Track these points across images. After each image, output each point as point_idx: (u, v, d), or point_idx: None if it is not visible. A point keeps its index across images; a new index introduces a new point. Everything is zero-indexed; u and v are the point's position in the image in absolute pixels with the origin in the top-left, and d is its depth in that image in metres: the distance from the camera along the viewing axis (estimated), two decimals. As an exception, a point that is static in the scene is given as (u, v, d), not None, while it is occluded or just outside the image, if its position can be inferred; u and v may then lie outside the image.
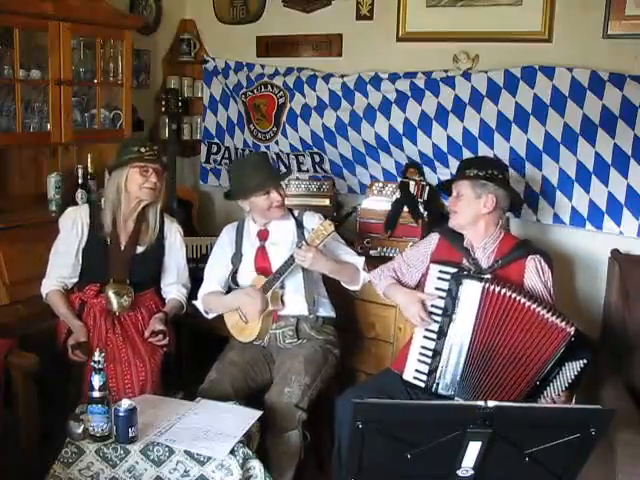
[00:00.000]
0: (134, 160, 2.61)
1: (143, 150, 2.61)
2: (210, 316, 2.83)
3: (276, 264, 2.67)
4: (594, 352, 2.20)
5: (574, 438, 1.63)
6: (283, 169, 3.75)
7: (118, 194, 2.65)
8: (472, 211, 2.43)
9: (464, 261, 2.45)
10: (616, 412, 1.68)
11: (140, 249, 2.74)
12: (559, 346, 2.17)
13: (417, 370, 2.39)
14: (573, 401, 2.24)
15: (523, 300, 2.23)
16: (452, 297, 2.32)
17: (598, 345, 2.46)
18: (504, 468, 1.71)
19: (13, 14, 2.75)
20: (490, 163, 2.54)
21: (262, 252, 2.75)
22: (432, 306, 2.39)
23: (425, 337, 2.39)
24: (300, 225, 2.78)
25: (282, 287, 2.69)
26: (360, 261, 2.75)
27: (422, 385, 2.36)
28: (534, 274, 2.38)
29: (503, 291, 2.25)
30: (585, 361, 2.15)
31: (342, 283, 2.76)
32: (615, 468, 2.03)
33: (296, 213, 2.83)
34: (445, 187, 2.65)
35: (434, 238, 2.59)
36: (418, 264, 2.59)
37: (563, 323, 2.17)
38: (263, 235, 2.78)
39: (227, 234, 2.86)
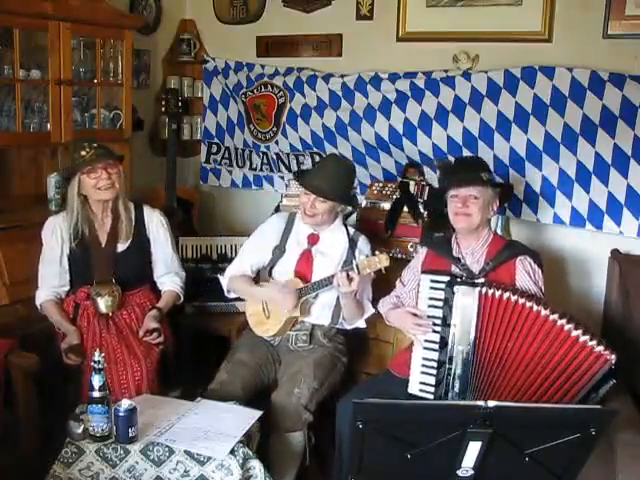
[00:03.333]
0: (79, 167, 2.59)
1: (84, 153, 2.59)
2: (231, 295, 2.83)
3: (317, 273, 2.62)
4: (617, 371, 2.13)
5: (574, 438, 1.63)
6: (287, 170, 3.74)
7: (79, 203, 2.64)
8: (483, 214, 2.42)
9: (453, 268, 2.43)
10: (616, 413, 1.69)
11: (123, 246, 2.72)
12: (597, 372, 2.09)
13: (423, 382, 2.33)
14: None
15: (528, 304, 2.18)
16: (449, 305, 2.28)
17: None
18: (504, 468, 1.71)
19: (13, 14, 2.75)
20: (483, 165, 2.51)
21: (307, 256, 2.69)
22: (430, 317, 2.33)
23: (426, 348, 2.33)
24: (353, 246, 2.70)
25: (315, 297, 2.65)
26: (369, 312, 2.69)
27: (431, 397, 2.29)
28: (524, 275, 2.37)
29: (505, 295, 2.21)
30: (614, 381, 2.11)
31: (342, 316, 2.69)
32: (615, 468, 2.03)
33: (351, 232, 2.75)
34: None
35: (422, 251, 2.60)
36: (412, 281, 2.57)
37: (601, 348, 2.10)
38: (313, 239, 2.71)
39: (276, 222, 2.80)
